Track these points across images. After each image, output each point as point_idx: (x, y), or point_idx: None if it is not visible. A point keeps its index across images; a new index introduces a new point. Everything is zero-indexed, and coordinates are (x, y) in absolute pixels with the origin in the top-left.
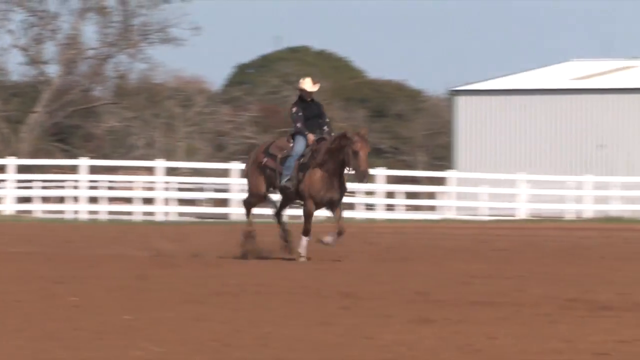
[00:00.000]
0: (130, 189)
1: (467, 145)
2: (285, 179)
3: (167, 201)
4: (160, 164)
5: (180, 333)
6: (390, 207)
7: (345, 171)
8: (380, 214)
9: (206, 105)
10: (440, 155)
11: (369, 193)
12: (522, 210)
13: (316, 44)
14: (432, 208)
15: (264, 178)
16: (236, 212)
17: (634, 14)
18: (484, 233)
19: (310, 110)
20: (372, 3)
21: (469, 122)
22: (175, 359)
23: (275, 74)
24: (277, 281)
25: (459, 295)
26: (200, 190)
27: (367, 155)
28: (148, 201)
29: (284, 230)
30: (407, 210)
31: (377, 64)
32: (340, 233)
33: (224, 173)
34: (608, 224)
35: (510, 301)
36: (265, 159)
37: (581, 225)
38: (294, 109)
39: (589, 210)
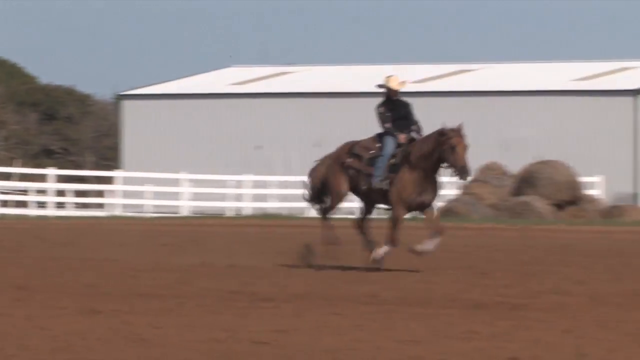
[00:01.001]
0: None
1: (133, 146)
2: (378, 179)
3: None
4: None
5: None
6: (60, 205)
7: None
8: (51, 212)
9: None
10: (108, 155)
11: (40, 191)
12: (185, 207)
13: None
14: (100, 206)
15: (347, 178)
16: None
17: (287, 23)
18: (150, 229)
19: (397, 111)
20: (43, 9)
21: (135, 124)
22: None
23: None
24: None
25: (126, 288)
26: None
27: (465, 150)
28: None
29: (369, 242)
30: (77, 207)
31: (48, 70)
32: (438, 233)
33: None
34: (266, 220)
35: (174, 293)
36: (349, 160)
37: (241, 221)
38: (382, 109)
39: (248, 207)
